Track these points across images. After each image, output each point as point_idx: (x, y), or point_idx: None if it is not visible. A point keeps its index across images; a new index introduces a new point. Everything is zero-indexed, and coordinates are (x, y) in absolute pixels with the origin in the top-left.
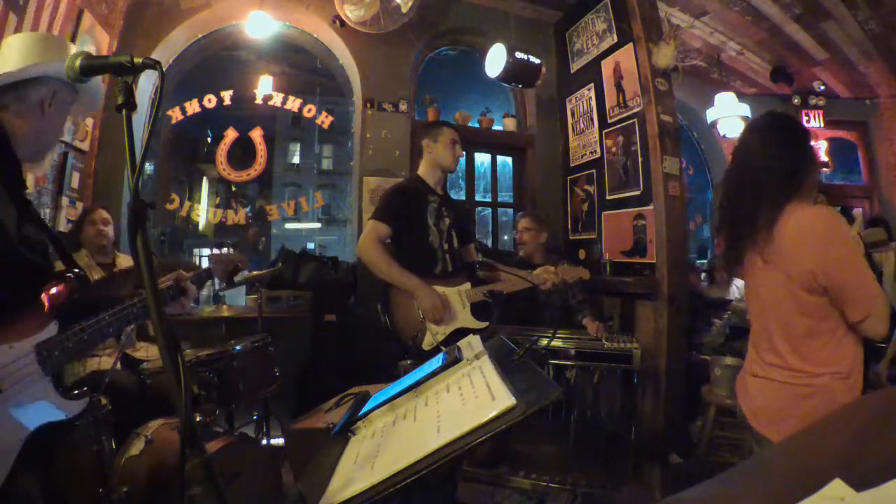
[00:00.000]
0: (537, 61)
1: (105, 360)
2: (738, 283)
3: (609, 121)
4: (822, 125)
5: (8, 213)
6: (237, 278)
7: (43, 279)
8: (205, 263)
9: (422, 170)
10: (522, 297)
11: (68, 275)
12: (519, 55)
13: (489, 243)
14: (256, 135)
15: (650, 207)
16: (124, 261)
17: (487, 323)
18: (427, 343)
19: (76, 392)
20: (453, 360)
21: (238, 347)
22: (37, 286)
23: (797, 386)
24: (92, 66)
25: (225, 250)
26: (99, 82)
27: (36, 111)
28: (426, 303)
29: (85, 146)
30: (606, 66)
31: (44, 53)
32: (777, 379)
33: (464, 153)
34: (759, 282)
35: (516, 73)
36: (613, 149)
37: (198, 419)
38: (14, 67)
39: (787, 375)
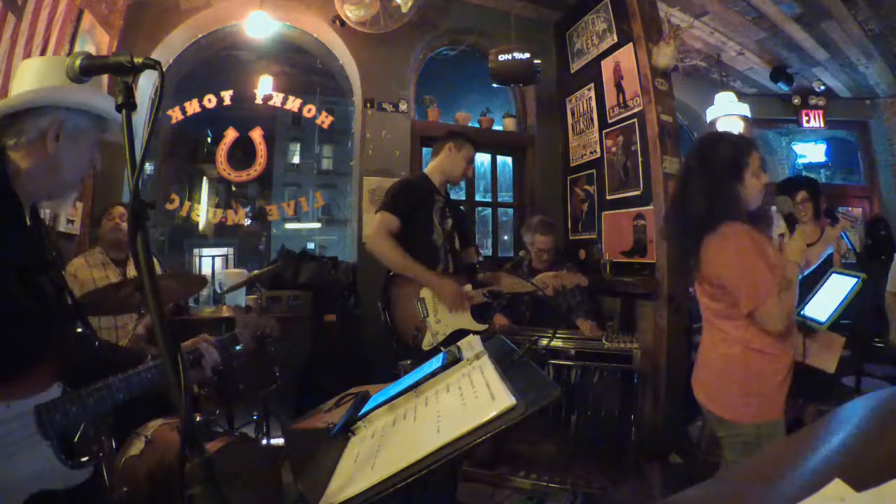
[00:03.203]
0: (525, 56)
1: None
2: None
3: (609, 121)
4: (822, 125)
5: (4, 257)
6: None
7: (54, 335)
8: (206, 265)
9: (430, 169)
10: (527, 300)
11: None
12: (502, 56)
13: (489, 243)
14: (256, 135)
15: (650, 207)
16: None
17: (486, 325)
18: (427, 343)
19: (82, 460)
20: (453, 360)
21: (238, 347)
22: (45, 342)
23: (722, 356)
24: (92, 66)
25: (254, 314)
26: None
27: (38, 145)
28: (448, 292)
29: None
30: (606, 66)
31: (44, 79)
32: (712, 350)
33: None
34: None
35: (508, 74)
36: (613, 149)
37: (198, 419)
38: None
39: (715, 344)
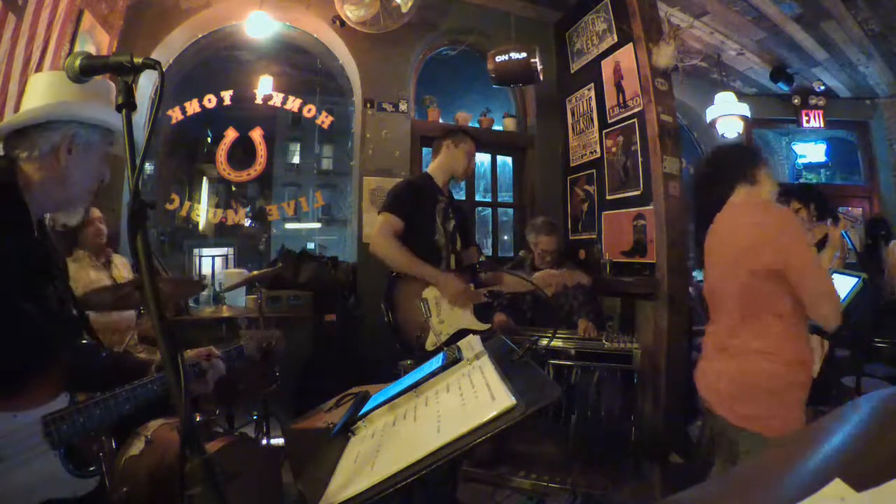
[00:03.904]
0: (522, 56)
1: None
2: None
3: (609, 121)
4: (822, 125)
5: (13, 268)
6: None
7: (60, 345)
8: (206, 265)
9: (432, 168)
10: (528, 300)
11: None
12: (500, 58)
13: (489, 243)
14: (256, 135)
15: (650, 207)
16: (119, 260)
17: (489, 325)
18: (430, 343)
19: (90, 469)
20: (453, 360)
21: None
22: (51, 352)
23: (743, 372)
24: (92, 66)
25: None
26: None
27: (50, 158)
28: (451, 289)
29: None
30: (606, 66)
31: (55, 94)
32: (729, 362)
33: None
34: (710, 272)
35: (507, 75)
36: (613, 149)
37: (198, 419)
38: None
39: (734, 356)
